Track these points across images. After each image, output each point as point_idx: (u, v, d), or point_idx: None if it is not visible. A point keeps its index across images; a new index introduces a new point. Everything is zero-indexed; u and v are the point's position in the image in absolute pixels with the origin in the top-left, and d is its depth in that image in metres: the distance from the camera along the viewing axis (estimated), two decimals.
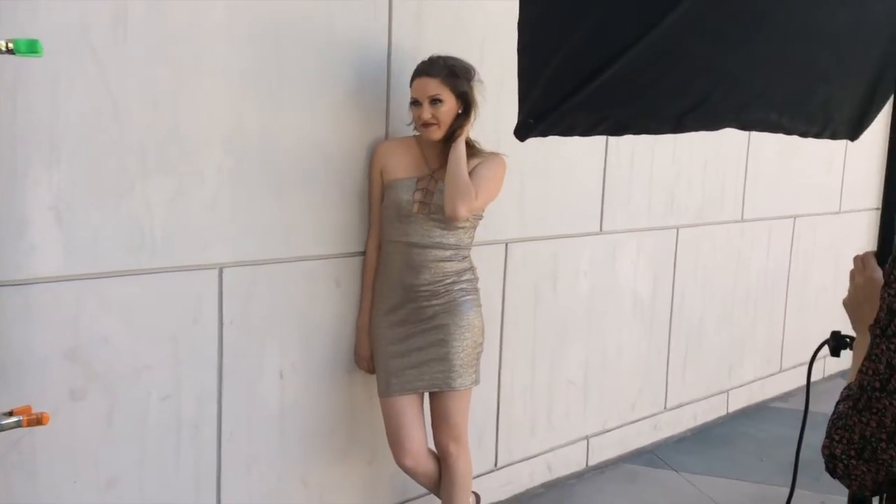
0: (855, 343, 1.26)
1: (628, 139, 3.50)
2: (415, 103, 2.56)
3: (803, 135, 1.75)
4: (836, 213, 5.15)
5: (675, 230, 3.94)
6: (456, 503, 2.73)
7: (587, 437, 3.71)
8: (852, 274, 1.28)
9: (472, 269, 2.70)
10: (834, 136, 1.77)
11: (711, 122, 1.60)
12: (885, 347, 0.98)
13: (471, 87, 2.59)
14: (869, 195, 5.40)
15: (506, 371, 3.28)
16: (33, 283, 2.05)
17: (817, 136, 1.74)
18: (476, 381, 2.68)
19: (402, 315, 2.64)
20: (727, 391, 4.49)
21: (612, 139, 3.49)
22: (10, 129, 1.94)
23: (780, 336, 4.84)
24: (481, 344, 2.69)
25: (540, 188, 3.25)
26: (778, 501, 3.48)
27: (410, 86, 2.57)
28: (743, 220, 4.37)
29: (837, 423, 1.03)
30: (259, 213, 2.46)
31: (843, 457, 1.02)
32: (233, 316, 2.45)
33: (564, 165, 3.33)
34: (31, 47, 1.63)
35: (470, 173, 2.55)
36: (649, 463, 3.90)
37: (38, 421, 1.80)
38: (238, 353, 2.48)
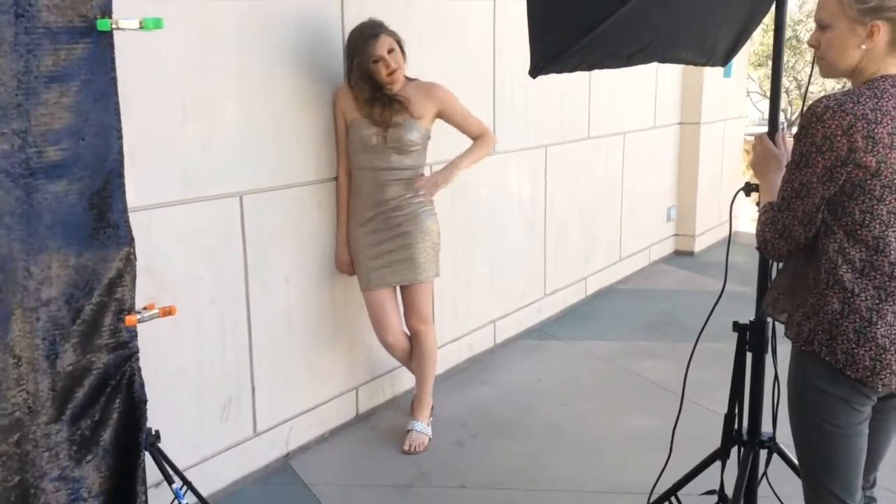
0: (760, 187, 2.02)
1: (508, 78, 4.33)
2: (377, 61, 3.11)
3: (695, 64, 2.59)
4: (652, 128, 6.29)
5: (544, 148, 4.84)
6: (426, 372, 3.50)
7: (493, 321, 4.58)
8: (754, 146, 2.09)
9: None
10: (713, 65, 2.61)
11: (647, 59, 2.38)
12: (797, 174, 1.70)
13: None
14: (672, 112, 6.61)
15: None
16: None
17: (704, 65, 2.58)
18: (437, 274, 3.41)
19: (374, 226, 3.30)
20: (585, 278, 5.54)
21: (498, 78, 4.30)
22: None
23: (618, 232, 5.95)
24: (438, 244, 3.41)
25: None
26: (637, 351, 4.62)
27: (364, 50, 3.09)
28: (589, 138, 5.35)
29: (767, 223, 1.78)
30: (263, 150, 3.04)
31: (772, 239, 1.77)
32: (251, 234, 3.03)
33: (464, 101, 4.06)
34: (157, 24, 2.12)
35: (450, 119, 3.39)
36: (539, 337, 4.85)
37: (169, 311, 2.34)
38: (256, 264, 3.07)
